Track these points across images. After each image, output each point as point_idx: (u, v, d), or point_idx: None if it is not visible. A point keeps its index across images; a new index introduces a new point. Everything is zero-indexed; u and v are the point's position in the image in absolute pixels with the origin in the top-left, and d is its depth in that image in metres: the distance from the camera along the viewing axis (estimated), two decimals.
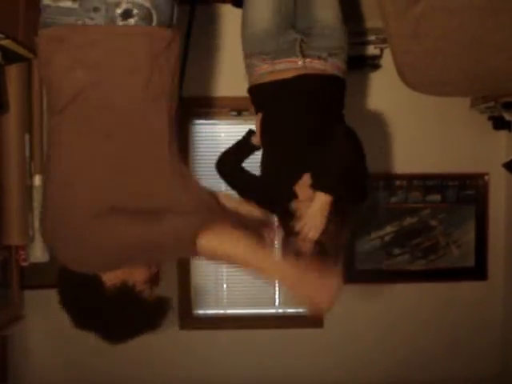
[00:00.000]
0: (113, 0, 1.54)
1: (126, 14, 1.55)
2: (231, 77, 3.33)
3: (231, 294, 3.66)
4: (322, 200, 2.13)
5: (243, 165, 2.56)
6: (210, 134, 3.56)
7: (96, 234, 1.55)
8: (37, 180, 2.77)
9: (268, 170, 2.43)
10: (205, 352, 3.60)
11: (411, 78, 1.83)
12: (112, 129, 1.58)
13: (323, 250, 2.16)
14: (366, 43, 3.35)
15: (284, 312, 3.70)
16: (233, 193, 2.46)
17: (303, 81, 2.28)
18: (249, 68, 2.43)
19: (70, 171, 1.59)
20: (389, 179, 3.58)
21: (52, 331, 2.96)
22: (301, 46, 2.28)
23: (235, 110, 3.41)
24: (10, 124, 2.67)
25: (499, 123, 3.40)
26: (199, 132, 3.57)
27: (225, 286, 3.63)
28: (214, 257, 1.62)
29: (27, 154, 2.75)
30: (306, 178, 2.22)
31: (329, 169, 2.14)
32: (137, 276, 1.67)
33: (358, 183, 2.24)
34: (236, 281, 3.63)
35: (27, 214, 2.73)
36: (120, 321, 1.66)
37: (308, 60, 2.28)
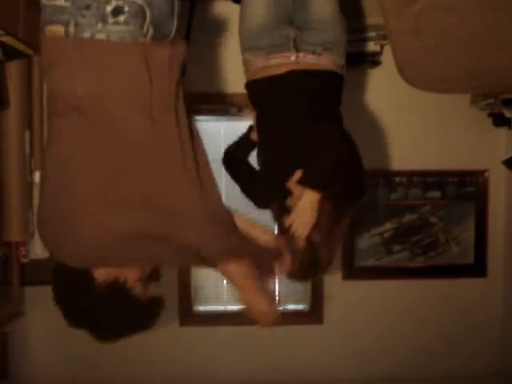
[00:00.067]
0: None
1: (117, 11, 1.55)
2: (231, 73, 3.33)
3: (231, 290, 3.66)
4: (309, 197, 2.12)
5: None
6: (210, 131, 3.56)
7: (93, 232, 1.55)
8: (37, 176, 2.76)
9: (263, 166, 2.43)
10: (205, 348, 3.60)
11: (411, 75, 1.82)
12: (113, 142, 1.58)
13: (314, 250, 2.15)
14: (366, 40, 3.34)
15: (284, 308, 3.70)
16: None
17: (294, 77, 2.26)
18: (245, 63, 2.44)
19: (70, 171, 1.59)
20: (389, 176, 3.59)
21: (52, 327, 2.96)
22: (295, 41, 2.27)
23: (235, 106, 3.41)
24: (10, 120, 2.67)
25: (499, 120, 3.40)
26: (199, 128, 3.56)
27: (225, 282, 3.64)
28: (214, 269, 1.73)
29: (27, 150, 2.74)
30: (298, 175, 2.21)
31: (316, 166, 2.13)
32: (128, 273, 1.67)
33: (352, 181, 2.22)
34: None
35: (27, 211, 2.73)
36: (110, 318, 1.66)
37: (301, 55, 2.26)
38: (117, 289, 1.65)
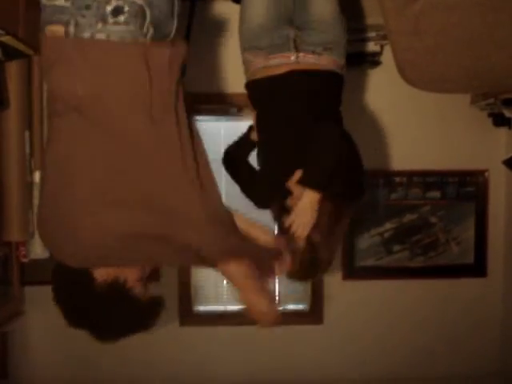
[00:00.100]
0: None
1: (117, 11, 1.55)
2: (231, 73, 3.33)
3: (231, 290, 3.66)
4: (309, 197, 2.12)
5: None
6: (210, 131, 3.56)
7: (93, 232, 1.56)
8: (37, 176, 2.76)
9: (263, 166, 2.43)
10: (205, 348, 3.60)
11: (411, 75, 1.82)
12: (113, 142, 1.58)
13: (314, 250, 2.14)
14: (366, 40, 3.34)
15: (284, 308, 3.70)
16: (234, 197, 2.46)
17: (293, 77, 2.26)
18: (245, 63, 2.44)
19: (70, 171, 1.59)
20: (389, 176, 3.59)
21: (52, 327, 2.95)
22: (295, 41, 2.27)
23: (235, 106, 3.41)
24: (10, 120, 2.67)
25: (499, 120, 3.40)
26: (199, 128, 3.56)
27: (225, 282, 3.64)
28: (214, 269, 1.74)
29: (27, 150, 2.74)
30: (298, 175, 2.20)
31: (316, 166, 2.13)
32: (128, 273, 1.68)
33: (352, 181, 2.22)
34: None
35: (27, 211, 2.73)
36: (110, 318, 1.66)
37: (301, 55, 2.26)
38: (117, 289, 1.65)
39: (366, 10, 3.22)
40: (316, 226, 2.14)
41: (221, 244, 1.65)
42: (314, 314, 3.66)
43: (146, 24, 1.59)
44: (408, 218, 3.62)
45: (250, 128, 2.55)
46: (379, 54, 3.40)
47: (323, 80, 2.30)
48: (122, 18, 1.55)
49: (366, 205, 3.54)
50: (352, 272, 3.62)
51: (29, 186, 2.76)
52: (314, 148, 2.14)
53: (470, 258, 3.67)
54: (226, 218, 1.73)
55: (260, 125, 2.41)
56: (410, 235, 3.63)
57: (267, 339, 3.61)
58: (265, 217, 2.51)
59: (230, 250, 1.68)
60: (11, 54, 2.51)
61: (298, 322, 3.64)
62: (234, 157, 2.58)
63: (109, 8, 1.54)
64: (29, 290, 3.31)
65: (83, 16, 1.54)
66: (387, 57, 3.21)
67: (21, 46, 2.47)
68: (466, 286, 3.67)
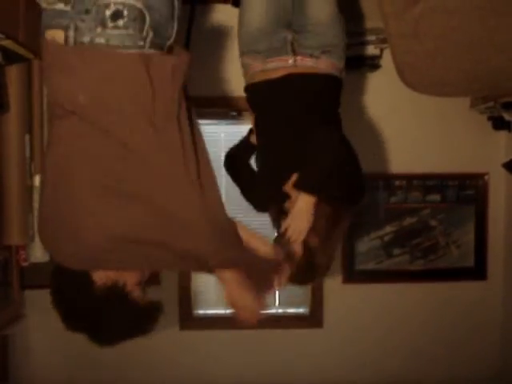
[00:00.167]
0: (103, 1, 1.54)
1: (116, 16, 1.55)
2: (232, 77, 3.33)
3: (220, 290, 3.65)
4: (304, 201, 2.11)
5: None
6: (211, 134, 3.56)
7: (95, 231, 1.56)
8: (37, 180, 2.76)
9: (261, 169, 2.42)
10: (205, 352, 3.60)
11: (411, 78, 1.83)
12: (114, 147, 1.58)
13: (311, 254, 2.13)
14: (365, 43, 3.35)
15: (284, 312, 3.70)
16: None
17: (291, 80, 2.26)
18: (244, 67, 2.44)
19: (70, 171, 1.59)
20: (388, 179, 3.59)
21: (52, 331, 2.95)
22: (292, 44, 2.27)
23: (236, 109, 3.41)
24: (11, 124, 2.67)
25: (499, 123, 3.40)
26: (202, 133, 3.56)
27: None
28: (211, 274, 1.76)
29: (27, 154, 2.74)
30: (294, 178, 2.20)
31: (311, 169, 2.12)
32: (128, 277, 1.68)
33: (349, 184, 2.20)
34: None
35: (27, 214, 2.73)
36: (108, 322, 1.66)
37: (299, 58, 2.25)
38: (116, 292, 1.65)
39: (365, 14, 3.23)
40: (313, 230, 2.13)
41: (221, 253, 1.65)
42: (313, 317, 3.66)
43: (146, 28, 1.59)
44: (408, 221, 3.62)
45: (251, 131, 2.55)
46: (379, 57, 3.40)
47: (321, 83, 2.29)
48: (121, 23, 1.55)
49: (366, 208, 3.54)
50: (352, 275, 3.62)
51: (29, 189, 2.76)
52: (309, 152, 2.13)
53: (469, 261, 3.67)
54: (228, 227, 1.73)
55: (258, 128, 2.41)
56: (410, 238, 3.63)
57: (267, 343, 3.61)
58: (265, 217, 2.53)
59: (230, 260, 1.68)
60: (11, 57, 2.51)
61: (298, 326, 3.64)
62: (235, 160, 2.58)
63: (108, 12, 1.54)
64: (29, 294, 3.31)
65: (83, 20, 1.54)
66: (387, 60, 3.22)
67: (21, 50, 2.47)
68: (466, 289, 3.67)
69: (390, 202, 3.60)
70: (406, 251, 3.63)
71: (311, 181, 2.11)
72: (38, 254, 2.82)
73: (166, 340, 3.40)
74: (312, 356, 3.64)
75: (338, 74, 2.33)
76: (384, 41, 3.20)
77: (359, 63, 3.39)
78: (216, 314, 3.66)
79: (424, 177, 3.60)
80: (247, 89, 2.46)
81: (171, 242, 1.57)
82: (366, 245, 3.60)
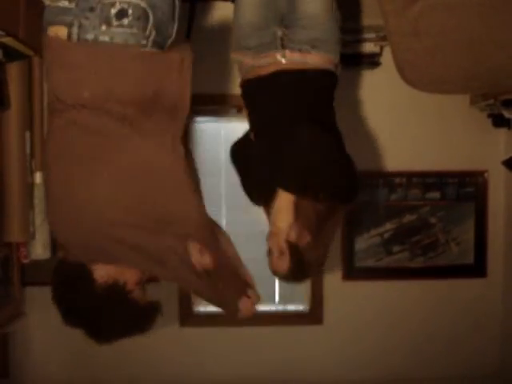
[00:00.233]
0: (108, 0, 1.55)
1: (121, 14, 1.56)
2: (231, 74, 3.33)
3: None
4: (283, 199, 2.08)
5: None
6: (211, 132, 3.57)
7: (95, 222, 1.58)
8: (38, 177, 2.77)
9: (254, 166, 2.41)
10: (205, 349, 3.61)
11: (411, 76, 1.83)
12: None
13: (298, 253, 2.10)
14: (365, 41, 3.35)
15: (284, 309, 3.71)
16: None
17: (279, 78, 2.24)
18: (237, 63, 2.43)
19: (69, 169, 1.61)
20: (388, 177, 3.59)
21: (53, 328, 2.96)
22: (282, 40, 2.25)
23: (235, 107, 3.41)
24: (11, 121, 2.67)
25: (499, 121, 3.40)
26: (199, 129, 3.57)
27: None
28: None
29: (28, 151, 2.75)
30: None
31: (287, 168, 2.10)
32: (128, 276, 1.69)
33: (336, 183, 2.16)
34: None
35: (28, 212, 2.73)
36: (107, 319, 1.67)
37: (288, 53, 2.23)
38: (116, 291, 1.67)
39: (365, 11, 3.23)
40: (304, 228, 2.11)
41: (204, 229, 1.75)
42: (313, 314, 3.66)
43: (149, 27, 1.60)
44: (408, 218, 3.62)
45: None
46: (379, 54, 3.40)
47: (311, 79, 2.26)
48: (126, 21, 1.56)
49: (366, 205, 3.55)
50: (352, 273, 3.62)
51: (29, 186, 2.76)
52: (289, 150, 2.11)
53: (469, 259, 3.67)
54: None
55: (250, 124, 2.40)
56: (409, 236, 3.63)
57: (267, 340, 3.62)
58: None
59: (208, 241, 1.75)
60: (12, 55, 2.52)
61: (298, 323, 3.65)
62: (237, 153, 2.57)
63: (113, 11, 1.55)
64: (29, 291, 3.31)
65: (87, 18, 1.55)
66: (387, 58, 3.22)
67: (21, 47, 2.48)
68: (466, 286, 3.68)
69: (389, 199, 3.61)
70: (405, 248, 3.63)
71: (287, 179, 2.09)
72: (39, 251, 2.83)
73: (166, 337, 3.40)
74: (312, 353, 3.65)
75: (332, 68, 2.29)
76: (384, 38, 3.20)
77: (359, 61, 3.39)
78: (216, 311, 3.65)
79: (424, 174, 3.60)
80: (241, 85, 2.45)
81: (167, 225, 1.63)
82: (365, 242, 3.61)
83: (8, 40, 2.36)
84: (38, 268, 2.87)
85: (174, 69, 1.65)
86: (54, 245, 2.84)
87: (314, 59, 2.22)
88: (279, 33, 2.24)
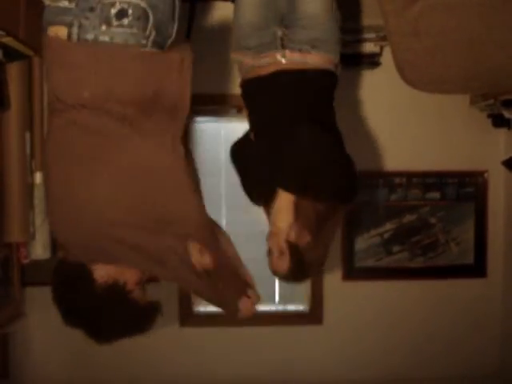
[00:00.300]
0: (108, 0, 1.55)
1: (121, 14, 1.56)
2: (231, 74, 3.33)
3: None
4: (283, 198, 2.08)
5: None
6: (211, 132, 3.57)
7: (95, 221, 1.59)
8: (38, 177, 2.77)
9: (254, 166, 2.41)
10: (205, 349, 3.61)
11: (411, 76, 1.83)
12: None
13: (298, 253, 2.10)
14: (365, 41, 3.34)
15: (284, 309, 3.71)
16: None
17: (278, 78, 2.23)
18: (237, 63, 2.43)
19: (69, 169, 1.61)
20: (388, 177, 3.59)
21: (53, 328, 2.95)
22: (282, 40, 2.24)
23: (235, 107, 3.41)
24: (11, 122, 2.67)
25: (499, 121, 3.40)
26: (199, 129, 3.57)
27: None
28: None
29: (28, 151, 2.75)
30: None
31: (287, 168, 2.10)
32: (128, 276, 1.69)
33: (336, 183, 2.15)
34: None
35: (28, 212, 2.73)
36: (107, 319, 1.67)
37: (288, 53, 2.23)
38: (116, 291, 1.67)
39: (365, 11, 3.23)
40: (304, 228, 2.10)
41: (204, 229, 1.75)
42: (313, 314, 3.66)
43: (149, 27, 1.60)
44: (408, 218, 3.62)
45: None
46: (379, 54, 3.40)
47: (311, 79, 2.25)
48: (126, 21, 1.56)
49: (366, 205, 3.55)
50: (352, 273, 3.62)
51: (29, 187, 2.76)
52: (289, 150, 2.10)
53: (469, 259, 3.67)
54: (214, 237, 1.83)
55: (250, 124, 2.40)
56: (409, 236, 3.63)
57: (267, 340, 3.62)
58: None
59: (208, 241, 1.77)
60: (12, 55, 2.52)
61: (298, 323, 3.65)
62: (237, 153, 2.56)
63: (113, 11, 1.55)
64: (29, 291, 3.31)
65: (87, 18, 1.55)
66: (387, 58, 3.22)
67: (21, 48, 2.48)
68: (466, 286, 3.68)
69: (389, 199, 3.61)
70: (405, 248, 3.63)
71: (287, 179, 2.09)
72: (39, 251, 2.83)
73: (166, 337, 3.40)
74: (312, 353, 3.65)
75: (332, 68, 2.29)
76: (384, 38, 3.20)
77: (359, 61, 3.39)
78: (216, 311, 3.65)
79: (424, 174, 3.61)
80: (241, 85, 2.45)
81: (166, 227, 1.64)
82: (365, 242, 3.61)
83: (8, 40, 2.36)
84: (37, 268, 2.87)
85: (174, 69, 1.65)
86: (54, 245, 2.84)
87: (314, 59, 2.21)
88: (279, 33, 2.24)
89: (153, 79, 1.61)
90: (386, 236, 3.62)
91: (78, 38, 1.55)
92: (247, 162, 2.48)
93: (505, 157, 3.48)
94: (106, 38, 1.55)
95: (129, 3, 1.56)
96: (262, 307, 3.66)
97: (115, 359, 3.44)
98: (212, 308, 3.65)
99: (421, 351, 3.67)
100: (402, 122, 3.57)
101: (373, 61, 3.42)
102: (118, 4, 1.55)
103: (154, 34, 1.62)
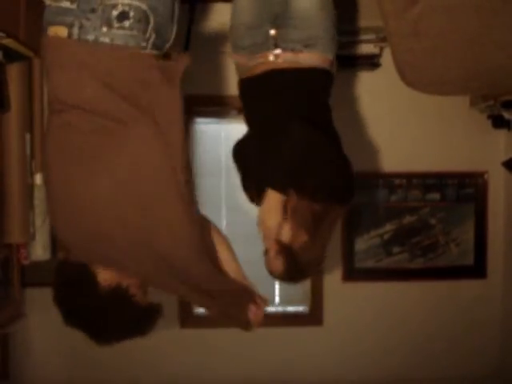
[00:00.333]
0: (110, 2, 1.55)
1: (122, 16, 1.56)
2: (231, 75, 3.33)
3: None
4: (270, 197, 2.08)
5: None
6: (211, 133, 3.57)
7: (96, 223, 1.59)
8: (38, 178, 2.77)
9: (250, 165, 2.40)
10: (205, 350, 3.61)
11: (411, 77, 1.83)
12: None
13: (292, 253, 2.09)
14: (365, 42, 3.35)
15: (284, 310, 3.71)
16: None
17: (270, 77, 2.23)
18: (235, 64, 2.43)
19: (68, 169, 1.61)
20: (388, 178, 3.59)
21: (53, 329, 2.96)
22: (275, 39, 2.24)
23: (235, 108, 3.42)
24: (11, 123, 2.68)
25: (498, 122, 3.41)
26: (199, 130, 3.57)
27: None
28: None
29: (28, 152, 2.75)
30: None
31: (275, 166, 2.09)
32: (131, 280, 1.69)
33: (329, 183, 2.14)
34: None
35: (28, 213, 2.74)
36: (109, 321, 1.67)
37: (280, 53, 2.22)
38: (120, 294, 1.67)
39: (365, 12, 3.23)
40: (299, 227, 2.10)
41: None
42: (313, 315, 3.67)
43: (149, 29, 1.60)
44: (408, 219, 3.63)
45: None
46: (379, 56, 3.41)
47: (304, 78, 2.24)
48: (127, 24, 1.56)
49: (366, 206, 3.55)
50: (352, 273, 3.62)
51: (30, 187, 2.76)
52: (277, 147, 2.10)
53: (469, 260, 3.67)
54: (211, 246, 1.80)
55: (246, 124, 2.40)
56: (409, 237, 3.64)
57: (267, 341, 3.61)
58: None
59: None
60: (12, 56, 2.52)
61: (298, 324, 3.65)
62: (238, 152, 2.56)
63: (115, 13, 1.55)
64: (29, 292, 3.31)
65: (88, 19, 1.55)
66: (387, 59, 3.22)
67: (22, 49, 2.48)
68: (466, 287, 3.68)
69: (389, 200, 3.61)
70: (405, 249, 3.63)
71: (274, 177, 2.09)
72: (39, 252, 2.83)
73: (166, 338, 3.40)
74: (312, 354, 3.65)
75: (327, 67, 2.27)
76: (384, 40, 3.20)
77: (359, 62, 3.40)
78: None
79: (424, 175, 3.61)
80: (238, 85, 2.45)
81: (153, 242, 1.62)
82: (365, 243, 3.61)
83: (8, 42, 2.36)
84: (38, 269, 2.87)
85: (164, 82, 1.64)
86: (54, 246, 2.84)
87: (306, 58, 2.20)
88: (272, 32, 2.24)
89: (146, 85, 1.61)
90: (386, 237, 3.62)
91: (79, 39, 1.55)
92: (246, 161, 2.48)
93: (505, 158, 3.48)
94: (107, 40, 1.55)
95: (130, 5, 1.56)
96: None
97: (115, 360, 3.44)
98: None
99: (421, 352, 3.67)
100: (402, 123, 3.57)
101: (373, 62, 3.42)
102: (119, 6, 1.55)
103: (153, 36, 1.62)
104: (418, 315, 3.67)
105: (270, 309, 3.69)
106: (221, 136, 3.55)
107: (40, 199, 2.74)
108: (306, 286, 3.59)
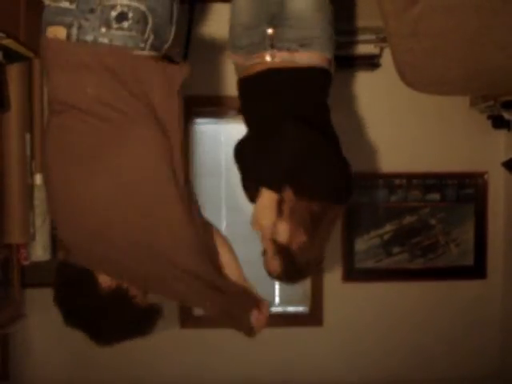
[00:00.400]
0: (109, 3, 1.55)
1: (121, 17, 1.56)
2: (231, 76, 3.33)
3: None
4: (264, 196, 2.07)
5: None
6: (210, 133, 3.57)
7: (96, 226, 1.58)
8: (38, 179, 2.77)
9: (247, 163, 2.40)
10: (205, 350, 3.60)
11: (411, 77, 1.83)
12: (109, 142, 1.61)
13: (290, 253, 2.08)
14: (365, 42, 3.35)
15: (284, 310, 3.71)
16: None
17: (266, 76, 2.22)
18: (233, 64, 2.44)
19: (68, 168, 1.61)
20: (388, 178, 3.59)
21: (53, 329, 2.96)
22: (271, 39, 2.24)
23: (235, 108, 3.41)
24: (11, 123, 2.68)
25: (498, 122, 3.41)
26: (199, 131, 3.57)
27: None
28: None
29: (28, 152, 2.75)
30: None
31: (268, 165, 2.09)
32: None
33: (324, 182, 2.13)
34: None
35: (28, 213, 2.74)
36: (109, 322, 1.67)
37: (276, 53, 2.22)
38: (120, 296, 1.67)
39: (365, 13, 3.23)
40: (296, 227, 2.09)
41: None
42: (313, 315, 3.66)
43: (148, 30, 1.60)
44: (407, 220, 3.62)
45: None
46: (379, 56, 3.41)
47: (300, 77, 2.24)
48: (125, 24, 1.56)
49: (366, 207, 3.55)
50: (351, 274, 3.62)
51: (30, 188, 2.77)
52: (271, 146, 2.09)
53: (469, 260, 3.67)
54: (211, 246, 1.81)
55: (245, 123, 2.40)
56: (409, 237, 3.63)
57: (267, 341, 3.61)
58: None
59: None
60: (12, 56, 2.52)
61: (298, 324, 3.65)
62: (239, 152, 2.56)
63: (114, 13, 1.55)
64: (29, 293, 3.31)
65: (87, 19, 1.55)
66: (386, 59, 3.22)
67: (22, 49, 2.48)
68: (466, 287, 3.68)
69: (389, 200, 3.61)
70: (405, 250, 3.63)
71: (267, 176, 2.08)
72: (39, 252, 2.83)
73: (166, 339, 3.39)
74: (312, 354, 3.65)
75: (325, 66, 2.27)
76: (384, 40, 3.20)
77: (359, 62, 3.40)
78: None
79: (424, 176, 3.61)
80: (237, 85, 2.45)
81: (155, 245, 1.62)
82: (365, 243, 3.61)
83: (8, 42, 2.36)
84: (38, 269, 2.87)
85: (164, 84, 1.65)
86: (54, 246, 2.84)
87: (303, 57, 2.20)
88: (268, 32, 2.24)
89: (146, 88, 1.61)
90: (385, 237, 3.62)
91: (77, 39, 1.55)
92: (245, 161, 2.48)
93: (505, 158, 3.48)
94: (105, 40, 1.55)
95: (129, 6, 1.56)
96: None
97: (115, 360, 3.44)
98: None
99: (421, 352, 3.67)
100: (402, 123, 3.57)
101: (373, 62, 3.42)
102: (118, 7, 1.55)
103: (152, 37, 1.62)
104: (418, 315, 3.67)
105: (270, 309, 3.68)
106: (220, 136, 3.55)
107: (40, 199, 2.74)
108: (305, 286, 3.59)
